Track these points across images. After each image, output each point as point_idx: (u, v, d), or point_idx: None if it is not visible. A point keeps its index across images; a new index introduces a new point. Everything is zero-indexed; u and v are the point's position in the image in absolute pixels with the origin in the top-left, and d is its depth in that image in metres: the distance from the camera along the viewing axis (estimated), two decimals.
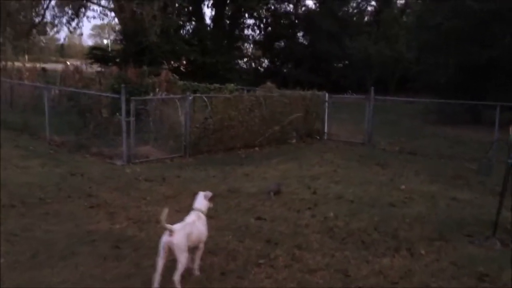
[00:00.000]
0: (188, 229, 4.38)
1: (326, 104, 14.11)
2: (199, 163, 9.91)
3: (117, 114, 10.51)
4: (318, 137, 13.84)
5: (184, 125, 10.35)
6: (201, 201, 4.75)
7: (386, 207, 7.00)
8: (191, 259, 4.41)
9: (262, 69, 38.23)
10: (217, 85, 16.46)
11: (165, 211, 4.21)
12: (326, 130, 14.13)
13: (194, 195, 7.15)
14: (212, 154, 10.89)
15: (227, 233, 5.60)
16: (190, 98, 10.27)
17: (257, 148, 11.85)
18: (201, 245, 4.55)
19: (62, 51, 69.81)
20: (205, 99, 11.30)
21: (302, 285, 4.38)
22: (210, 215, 6.09)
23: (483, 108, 16.10)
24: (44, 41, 44.98)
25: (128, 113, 9.39)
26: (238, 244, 5.23)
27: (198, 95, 11.36)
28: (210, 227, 5.68)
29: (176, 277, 4.10)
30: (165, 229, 4.21)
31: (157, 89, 10.73)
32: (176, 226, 4.29)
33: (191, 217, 4.58)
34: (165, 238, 4.19)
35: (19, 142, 10.93)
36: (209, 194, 4.84)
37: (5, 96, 14.12)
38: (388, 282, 4.52)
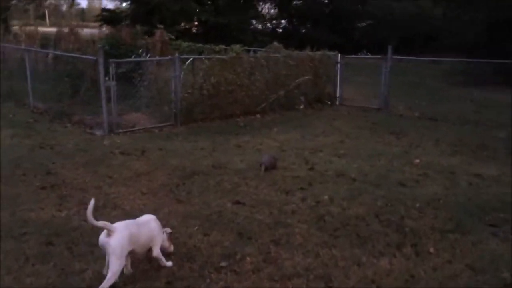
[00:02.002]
0: (134, 229, 3.46)
1: (338, 65, 12.80)
2: (190, 133, 8.91)
3: (106, 78, 9.53)
4: (329, 103, 12.63)
5: (174, 90, 9.30)
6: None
7: (394, 187, 5.90)
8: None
9: (280, 30, 36.52)
10: (222, 46, 15.25)
11: (91, 203, 3.28)
12: (338, 95, 12.90)
13: (171, 171, 6.35)
14: (207, 123, 9.86)
15: (193, 222, 4.63)
16: (178, 60, 9.15)
17: (258, 116, 10.76)
18: (155, 253, 3.64)
19: (83, 16, 69.09)
20: (206, 61, 10.14)
21: None
22: (179, 199, 5.23)
23: None
24: (65, 5, 44.14)
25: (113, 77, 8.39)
26: (202, 239, 4.26)
27: (186, 56, 10.22)
28: (176, 213, 4.82)
29: (104, 285, 3.24)
30: (101, 227, 3.32)
31: (140, 50, 9.67)
32: (118, 224, 3.40)
33: (145, 217, 3.75)
34: (101, 238, 3.33)
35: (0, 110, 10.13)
36: (168, 230, 3.88)
37: None
38: None
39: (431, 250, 4.20)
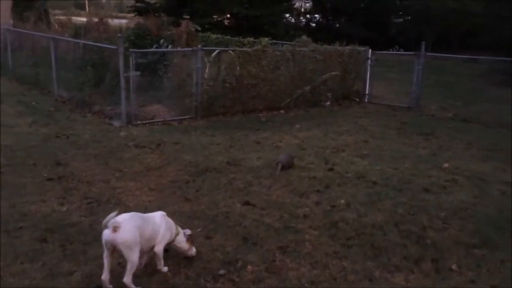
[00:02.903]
0: (138, 221, 3.27)
1: (369, 61, 12.29)
2: (208, 127, 8.68)
3: (129, 69, 9.39)
4: (357, 100, 12.16)
5: (195, 83, 9.07)
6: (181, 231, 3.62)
7: (418, 193, 5.49)
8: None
9: (313, 24, 35.89)
10: (250, 39, 14.96)
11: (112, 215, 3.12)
12: (367, 92, 12.40)
13: (183, 167, 6.13)
14: (228, 117, 9.61)
15: (198, 223, 4.38)
16: (201, 51, 8.91)
17: (282, 111, 10.42)
18: (157, 249, 3.43)
19: (121, 6, 70.06)
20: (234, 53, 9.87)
21: None
22: (187, 197, 4.99)
23: None
24: None
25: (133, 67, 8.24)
26: (204, 242, 4.00)
27: (209, 48, 9.98)
28: (181, 212, 4.58)
29: (126, 278, 3.14)
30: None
31: (161, 41, 9.47)
32: (121, 217, 3.19)
33: (157, 213, 3.56)
34: (106, 235, 3.13)
35: (25, 97, 10.18)
36: (187, 231, 3.70)
37: (21, 47, 13.41)
38: None
39: (454, 267, 3.82)
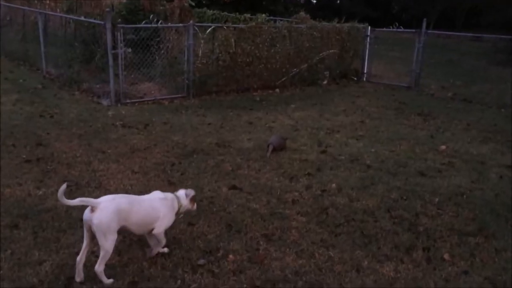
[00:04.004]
0: (123, 203, 3.05)
1: (368, 39, 11.94)
2: (200, 106, 8.42)
3: (121, 45, 9.06)
4: (355, 79, 11.87)
5: (187, 60, 8.77)
6: (183, 196, 3.43)
7: (413, 177, 5.28)
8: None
9: (314, 1, 35.29)
10: (247, 15, 14.55)
11: (63, 187, 2.91)
12: (365, 71, 12.10)
13: (170, 148, 5.90)
14: (221, 96, 9.34)
15: None
16: (192, 27, 8.58)
17: (277, 90, 10.15)
18: (155, 231, 3.24)
19: None
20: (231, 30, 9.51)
21: None
22: (171, 181, 4.78)
23: None
24: None
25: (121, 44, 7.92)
26: (186, 229, 3.80)
27: (201, 24, 9.64)
28: None
29: (98, 266, 2.94)
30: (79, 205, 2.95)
31: (151, 16, 9.11)
32: (103, 199, 3.01)
33: (156, 193, 3.37)
34: (85, 214, 2.95)
35: (12, 74, 9.88)
36: (191, 193, 3.49)
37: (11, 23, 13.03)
38: None
39: (446, 256, 3.62)
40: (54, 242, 3.45)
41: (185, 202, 3.42)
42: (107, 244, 2.92)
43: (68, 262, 3.18)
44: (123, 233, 3.27)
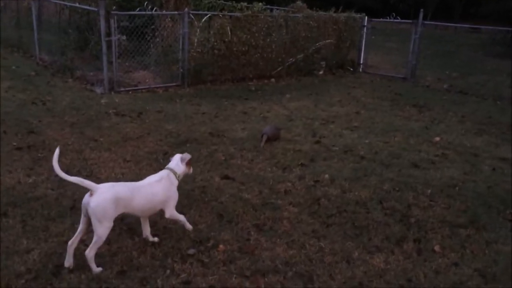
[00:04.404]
0: (122, 191, 3.05)
1: (364, 29, 11.88)
2: (195, 95, 8.37)
3: (115, 32, 8.96)
4: (351, 69, 11.82)
5: (182, 48, 8.70)
6: (177, 164, 3.44)
7: (406, 169, 5.28)
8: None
9: None
10: (244, 4, 14.43)
11: (57, 151, 2.96)
12: (362, 61, 12.04)
13: (163, 137, 5.88)
14: (216, 85, 9.28)
15: None
16: (187, 15, 8.49)
17: (273, 80, 10.10)
18: (167, 215, 3.36)
19: None
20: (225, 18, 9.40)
21: None
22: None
23: None
24: None
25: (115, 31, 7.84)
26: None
27: (197, 12, 9.54)
28: None
29: (89, 251, 2.93)
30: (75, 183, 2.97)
31: (146, 3, 8.98)
32: (103, 184, 3.02)
33: (152, 177, 3.35)
34: (84, 198, 2.96)
35: (5, 61, 9.78)
36: (187, 157, 3.49)
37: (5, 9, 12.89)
38: None
39: (437, 248, 3.62)
40: (43, 230, 3.43)
41: (181, 170, 3.45)
42: (101, 230, 2.92)
43: (57, 250, 3.16)
44: (128, 217, 3.36)
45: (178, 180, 3.41)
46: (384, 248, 3.57)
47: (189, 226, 3.54)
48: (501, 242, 3.78)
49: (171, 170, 3.41)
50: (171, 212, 3.36)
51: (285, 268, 3.23)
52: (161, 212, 3.38)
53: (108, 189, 2.99)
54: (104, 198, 2.92)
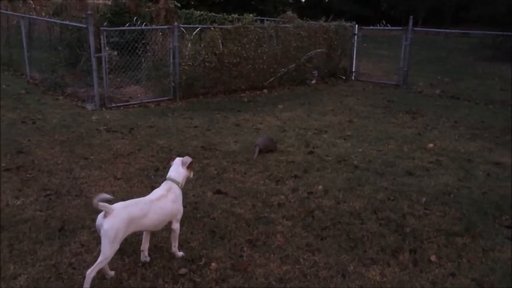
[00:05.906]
0: (135, 211, 3.04)
1: (355, 37, 11.91)
2: (187, 109, 8.33)
3: (106, 48, 8.93)
4: (343, 77, 11.83)
5: (172, 62, 8.67)
6: (177, 170, 3.42)
7: (401, 177, 5.24)
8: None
9: (303, 0, 35.26)
10: (235, 16, 14.49)
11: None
12: (353, 69, 12.06)
13: (155, 152, 5.82)
14: (208, 98, 9.25)
15: None
16: (177, 29, 8.47)
17: (265, 91, 10.09)
18: (174, 226, 3.35)
19: None
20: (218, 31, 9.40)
21: None
22: (155, 186, 4.66)
23: None
24: None
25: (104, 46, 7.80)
26: (168, 237, 3.68)
27: (187, 26, 9.55)
28: None
29: (91, 271, 2.89)
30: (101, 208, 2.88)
31: (135, 19, 8.98)
32: (117, 205, 2.98)
33: (158, 191, 3.30)
34: (98, 218, 2.97)
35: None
36: (188, 160, 3.47)
37: None
38: None
39: (433, 258, 3.56)
40: (31, 254, 3.35)
41: (182, 176, 3.42)
42: (109, 251, 2.90)
43: (44, 275, 3.09)
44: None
45: (180, 188, 3.38)
46: (379, 260, 3.51)
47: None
48: (498, 249, 3.73)
49: (173, 180, 3.36)
50: (178, 225, 3.35)
51: (279, 285, 3.16)
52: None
53: (122, 210, 2.96)
54: (118, 220, 2.91)
